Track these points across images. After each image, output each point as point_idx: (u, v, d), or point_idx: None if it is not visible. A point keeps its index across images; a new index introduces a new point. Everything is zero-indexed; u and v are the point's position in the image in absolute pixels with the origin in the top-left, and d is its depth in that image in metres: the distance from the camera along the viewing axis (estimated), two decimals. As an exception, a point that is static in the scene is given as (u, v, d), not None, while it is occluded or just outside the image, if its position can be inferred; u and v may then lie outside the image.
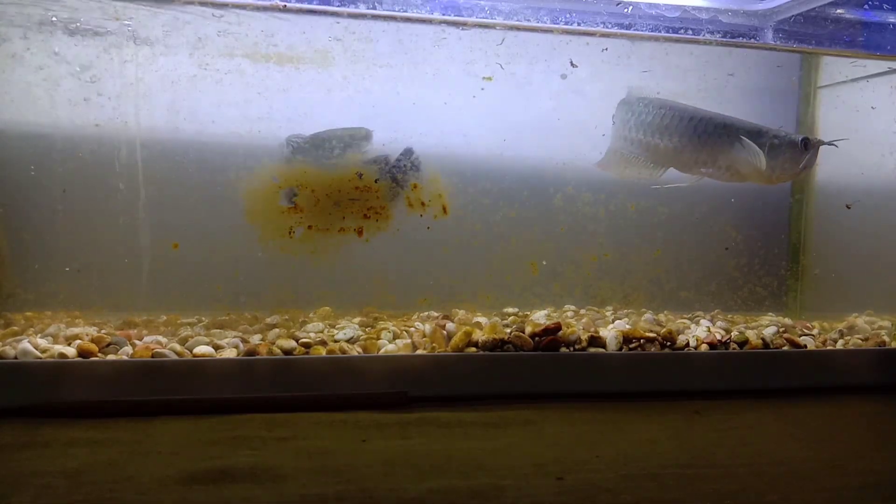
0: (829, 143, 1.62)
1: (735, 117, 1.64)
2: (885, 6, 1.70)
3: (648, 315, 1.79)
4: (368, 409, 1.34)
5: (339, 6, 1.49)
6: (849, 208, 1.73)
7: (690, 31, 1.63)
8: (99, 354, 1.38)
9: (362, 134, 1.54)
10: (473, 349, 1.49)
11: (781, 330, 1.74)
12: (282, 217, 1.56)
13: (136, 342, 1.44)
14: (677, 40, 1.64)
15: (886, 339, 1.77)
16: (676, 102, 1.67)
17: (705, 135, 1.61)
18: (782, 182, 1.70)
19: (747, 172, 1.62)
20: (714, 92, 1.82)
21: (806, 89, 2.00)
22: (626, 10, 1.59)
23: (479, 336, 1.51)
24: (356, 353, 1.47)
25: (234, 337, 1.49)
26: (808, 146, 1.59)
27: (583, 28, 1.60)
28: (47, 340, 1.41)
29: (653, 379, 1.52)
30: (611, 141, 1.73)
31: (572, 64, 1.63)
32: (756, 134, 1.61)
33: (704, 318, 1.84)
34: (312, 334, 1.53)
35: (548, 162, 1.76)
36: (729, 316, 1.89)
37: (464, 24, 1.56)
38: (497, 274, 1.75)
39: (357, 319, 1.67)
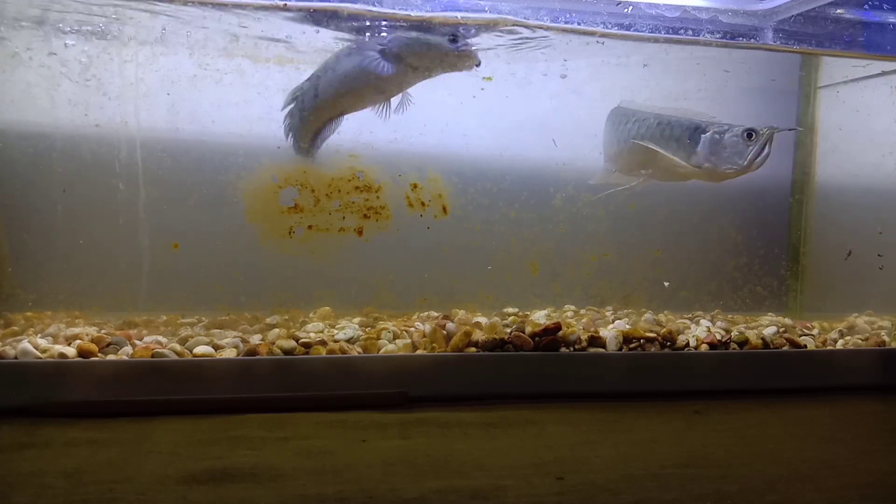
0: (789, 130, 1.54)
1: (671, 115, 1.57)
2: (885, 6, 1.70)
3: (648, 315, 1.79)
4: (368, 409, 1.34)
5: (338, 4, 1.49)
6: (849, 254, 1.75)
7: (690, 32, 1.63)
8: (99, 354, 1.38)
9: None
10: (473, 349, 1.49)
11: (781, 330, 1.74)
12: (282, 217, 1.56)
13: (136, 342, 1.44)
14: (677, 41, 1.64)
15: (886, 339, 1.77)
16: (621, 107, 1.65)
17: (638, 136, 1.56)
18: (731, 179, 1.59)
19: (686, 171, 1.54)
20: (714, 92, 1.82)
21: (806, 89, 2.00)
22: (626, 10, 1.59)
23: (479, 336, 1.51)
24: (356, 353, 1.47)
25: (234, 337, 1.49)
26: (754, 139, 1.48)
27: (583, 28, 1.60)
28: (47, 340, 1.41)
29: (653, 379, 1.52)
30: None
31: (562, 76, 1.64)
32: (693, 130, 1.53)
33: (704, 318, 1.84)
34: (312, 334, 1.53)
35: (548, 162, 1.76)
36: (729, 316, 1.89)
37: (463, 24, 1.56)
38: (497, 274, 1.75)
39: (357, 319, 1.67)
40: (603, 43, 1.65)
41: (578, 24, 1.59)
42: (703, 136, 1.50)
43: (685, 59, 1.74)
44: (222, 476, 1.03)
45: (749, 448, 1.22)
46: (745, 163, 1.50)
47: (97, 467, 1.05)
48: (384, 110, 1.50)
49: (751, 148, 1.48)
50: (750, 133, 1.47)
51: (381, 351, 1.48)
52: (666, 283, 1.78)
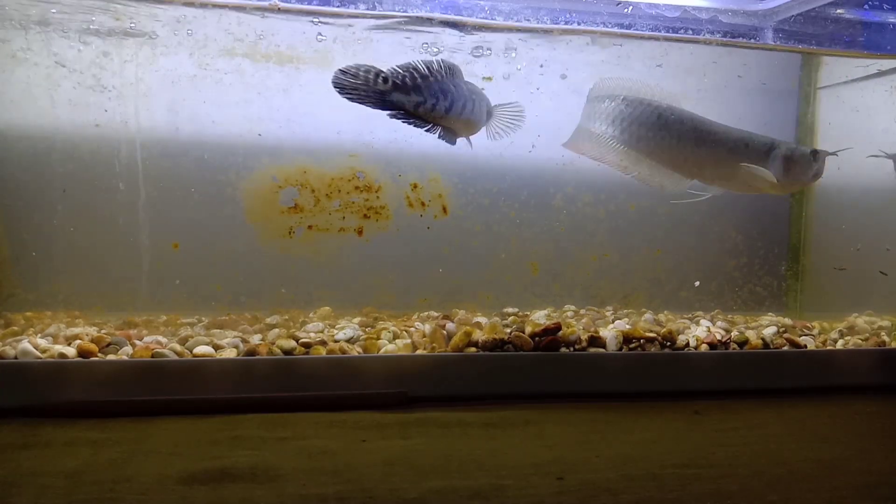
0: (834, 154, 1.69)
1: (748, 132, 1.67)
2: (885, 6, 1.70)
3: (648, 315, 1.79)
4: (368, 409, 1.35)
5: (338, 6, 1.49)
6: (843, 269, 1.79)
7: (690, 31, 1.63)
8: (99, 354, 1.38)
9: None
10: (473, 349, 1.49)
11: (781, 330, 1.74)
12: (282, 217, 1.56)
13: (136, 342, 1.44)
14: (677, 40, 1.64)
15: (886, 339, 1.77)
16: (690, 112, 1.68)
17: (725, 150, 1.64)
18: (794, 191, 1.80)
19: (762, 186, 1.68)
20: (714, 92, 1.82)
21: (806, 89, 2.00)
22: (626, 10, 1.59)
23: (479, 336, 1.51)
24: (356, 353, 1.47)
25: (234, 337, 1.49)
26: (818, 157, 1.65)
27: (583, 28, 1.60)
28: (47, 340, 1.41)
29: (653, 379, 1.52)
30: (616, 133, 1.70)
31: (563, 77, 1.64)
32: (770, 147, 1.64)
33: (704, 318, 1.84)
34: (312, 334, 1.53)
35: (548, 162, 1.76)
36: (729, 316, 1.89)
37: (464, 25, 1.56)
38: (497, 274, 1.75)
39: (357, 319, 1.67)
40: (621, 45, 1.66)
41: (578, 24, 1.59)
42: (777, 152, 1.63)
43: (685, 59, 1.74)
44: (222, 476, 1.03)
45: (749, 448, 1.22)
46: (809, 179, 1.67)
47: (97, 467, 1.05)
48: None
49: (815, 166, 1.65)
50: (815, 153, 1.65)
51: (381, 351, 1.48)
52: (696, 283, 1.81)
